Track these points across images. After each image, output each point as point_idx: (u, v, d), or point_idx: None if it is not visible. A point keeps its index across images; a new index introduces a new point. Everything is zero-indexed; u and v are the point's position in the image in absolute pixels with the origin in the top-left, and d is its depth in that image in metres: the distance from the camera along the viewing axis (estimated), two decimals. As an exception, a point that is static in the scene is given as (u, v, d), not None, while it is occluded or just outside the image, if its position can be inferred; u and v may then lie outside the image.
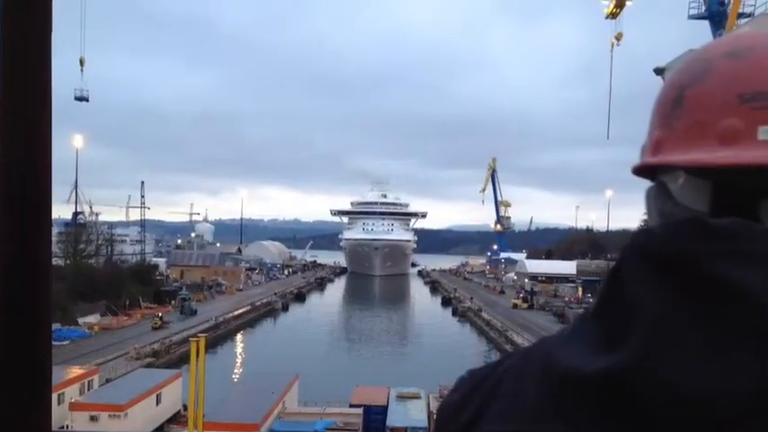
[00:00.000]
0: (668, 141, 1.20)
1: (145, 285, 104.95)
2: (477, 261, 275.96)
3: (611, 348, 1.00)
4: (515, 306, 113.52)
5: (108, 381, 51.15)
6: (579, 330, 1.11)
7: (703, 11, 53.51)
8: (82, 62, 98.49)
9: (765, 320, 0.91)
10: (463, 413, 1.21)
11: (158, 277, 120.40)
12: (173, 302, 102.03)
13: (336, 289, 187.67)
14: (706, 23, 53.56)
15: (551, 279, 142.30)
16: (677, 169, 1.20)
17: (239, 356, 78.36)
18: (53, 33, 1.95)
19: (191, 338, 40.94)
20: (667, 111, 1.22)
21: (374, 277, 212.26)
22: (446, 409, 1.27)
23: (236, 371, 68.16)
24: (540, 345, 1.18)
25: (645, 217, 1.34)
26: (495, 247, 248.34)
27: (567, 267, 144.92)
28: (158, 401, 45.95)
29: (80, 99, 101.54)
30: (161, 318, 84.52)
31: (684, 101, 1.18)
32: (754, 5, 47.80)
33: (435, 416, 1.18)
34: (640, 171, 1.30)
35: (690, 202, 1.18)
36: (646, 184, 1.29)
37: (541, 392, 1.07)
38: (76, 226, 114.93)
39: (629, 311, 1.01)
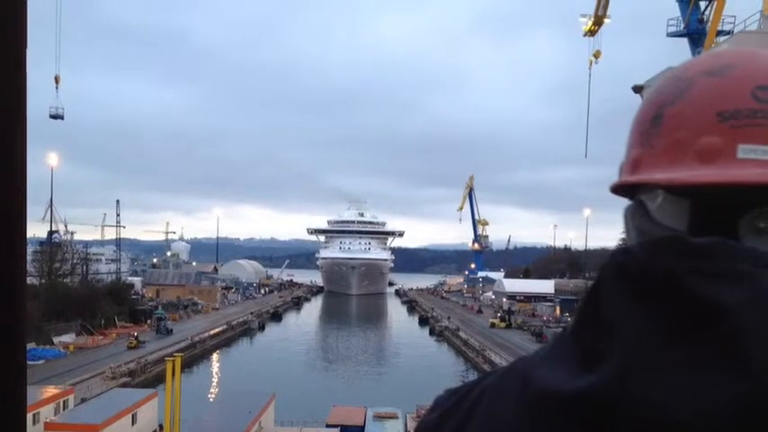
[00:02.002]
0: (647, 160, 1.20)
1: (120, 304, 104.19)
2: (455, 280, 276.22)
3: (589, 368, 1.00)
4: (493, 325, 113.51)
5: (83, 400, 50.63)
6: (557, 349, 1.11)
7: (682, 28, 53.62)
8: (57, 80, 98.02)
9: (744, 339, 0.91)
10: None
11: (134, 296, 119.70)
12: (148, 322, 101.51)
13: (313, 308, 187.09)
14: (685, 41, 53.77)
15: (529, 298, 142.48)
16: (656, 188, 1.19)
17: (215, 376, 77.88)
18: (28, 50, 1.87)
19: (166, 358, 40.71)
20: (646, 129, 1.22)
21: (351, 296, 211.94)
22: (424, 428, 1.29)
23: (212, 390, 67.68)
24: (518, 364, 1.18)
25: (623, 236, 1.33)
26: (473, 266, 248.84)
27: (545, 286, 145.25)
28: (134, 421, 45.55)
29: (55, 117, 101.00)
30: (136, 337, 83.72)
31: (663, 119, 1.18)
32: (733, 23, 48.09)
33: None
34: (619, 190, 1.29)
35: (668, 220, 1.18)
36: (624, 202, 1.29)
37: (519, 412, 1.08)
38: (51, 245, 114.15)
39: (608, 331, 1.01)
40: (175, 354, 45.40)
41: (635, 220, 1.25)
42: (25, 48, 1.89)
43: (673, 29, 54.42)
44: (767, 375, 0.89)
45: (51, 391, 48.22)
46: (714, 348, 0.92)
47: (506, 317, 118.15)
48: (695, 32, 52.41)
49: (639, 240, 1.19)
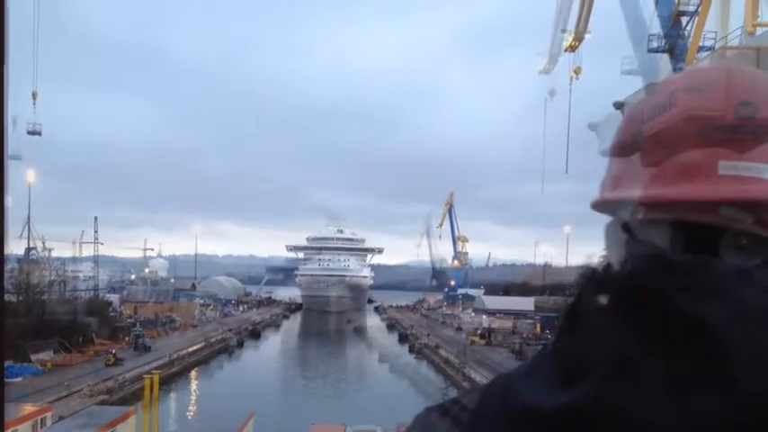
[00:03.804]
0: (628, 176, 1.23)
1: (98, 321, 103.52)
2: (435, 297, 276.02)
3: (570, 384, 1.02)
4: (473, 342, 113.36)
5: (61, 418, 50.29)
6: (538, 366, 1.14)
7: (663, 44, 53.89)
8: (34, 96, 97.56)
9: (727, 356, 0.92)
10: None
11: (112, 313, 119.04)
12: (126, 339, 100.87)
13: (292, 325, 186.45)
14: (666, 57, 53.94)
15: (509, 315, 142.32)
16: (637, 204, 1.20)
17: (194, 393, 77.38)
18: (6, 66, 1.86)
19: (144, 375, 40.43)
20: (627, 145, 1.25)
21: (330, 313, 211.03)
22: None
23: (190, 408, 67.22)
24: (499, 380, 1.20)
25: (602, 252, 1.29)
26: (453, 283, 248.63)
27: (525, 303, 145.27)
28: (112, 439, 45.20)
29: (32, 133, 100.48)
30: (114, 354, 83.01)
31: (643, 135, 1.21)
32: (715, 39, 48.22)
33: None
34: (600, 206, 1.32)
35: (650, 236, 1.19)
36: (604, 218, 1.28)
37: (500, 428, 1.10)
38: (29, 262, 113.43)
39: (589, 347, 1.04)
40: (153, 371, 45.11)
41: (617, 236, 1.25)
42: (2, 64, 1.86)
43: (654, 44, 54.64)
44: (750, 393, 0.90)
45: (29, 408, 47.86)
46: (698, 364, 0.94)
47: (486, 334, 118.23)
48: (676, 48, 52.61)
49: (621, 256, 1.20)
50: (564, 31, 66.10)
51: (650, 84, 46.18)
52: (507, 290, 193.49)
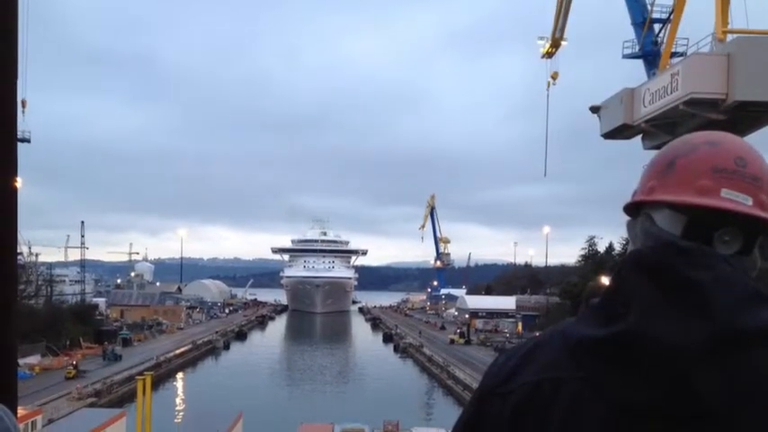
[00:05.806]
0: (659, 188, 1.80)
1: (85, 325, 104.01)
2: (418, 297, 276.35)
3: (614, 322, 1.60)
4: (452, 342, 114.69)
5: (50, 421, 50.87)
6: (587, 316, 1.71)
7: (637, 50, 54.37)
8: (24, 103, 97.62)
9: (710, 299, 1.54)
10: (504, 369, 1.81)
11: (98, 317, 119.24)
12: (114, 341, 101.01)
13: (278, 327, 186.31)
14: (640, 62, 54.75)
15: (491, 314, 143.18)
16: (663, 206, 1.79)
17: (181, 396, 77.63)
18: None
19: (137, 377, 40.97)
20: (662, 169, 1.82)
21: (315, 314, 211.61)
22: (493, 366, 1.88)
23: (178, 410, 67.53)
24: (556, 328, 1.80)
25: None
26: (435, 283, 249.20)
27: (507, 303, 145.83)
28: (102, 441, 45.65)
29: (21, 140, 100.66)
30: (76, 366, 78.40)
31: (676, 165, 1.79)
32: (687, 45, 49.08)
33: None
34: (629, 208, 1.91)
35: (669, 227, 1.78)
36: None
37: (563, 354, 1.69)
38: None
39: (627, 299, 1.62)
40: (145, 372, 45.69)
41: (644, 226, 1.83)
42: (16, 78, 2.40)
43: (628, 51, 55.26)
44: (724, 321, 1.52)
45: (19, 411, 48.14)
46: (695, 305, 1.54)
47: (465, 333, 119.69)
48: (650, 54, 53.25)
49: (644, 241, 1.82)
50: (541, 38, 66.26)
51: (625, 88, 47.45)
52: (489, 289, 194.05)
